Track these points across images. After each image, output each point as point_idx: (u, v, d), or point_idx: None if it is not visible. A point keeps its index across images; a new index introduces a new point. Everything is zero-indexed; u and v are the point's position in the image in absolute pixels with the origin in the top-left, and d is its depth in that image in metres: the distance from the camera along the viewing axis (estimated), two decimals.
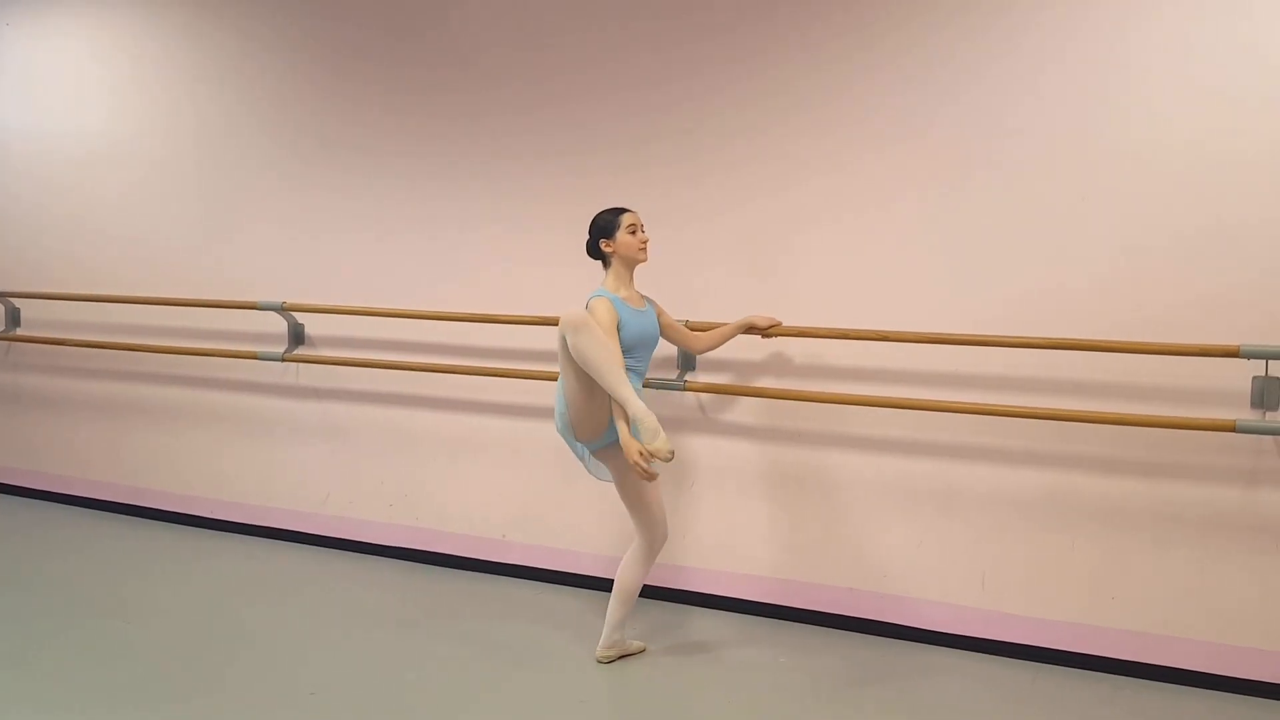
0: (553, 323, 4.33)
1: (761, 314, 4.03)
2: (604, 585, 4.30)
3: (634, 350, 3.66)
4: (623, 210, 3.69)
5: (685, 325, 4.06)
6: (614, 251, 3.66)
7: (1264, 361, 3.42)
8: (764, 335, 4.01)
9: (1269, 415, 3.45)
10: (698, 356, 4.26)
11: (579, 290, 4.13)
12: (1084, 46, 3.64)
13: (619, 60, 4.37)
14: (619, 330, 3.57)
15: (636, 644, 3.87)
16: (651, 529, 3.69)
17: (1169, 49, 3.54)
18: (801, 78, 4.06)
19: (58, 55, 5.67)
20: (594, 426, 3.57)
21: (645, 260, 3.75)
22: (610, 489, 4.14)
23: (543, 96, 4.52)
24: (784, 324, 3.99)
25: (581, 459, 3.74)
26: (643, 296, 3.80)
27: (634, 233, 3.69)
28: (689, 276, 4.23)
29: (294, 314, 5.06)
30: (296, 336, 5.11)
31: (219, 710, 3.32)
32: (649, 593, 4.40)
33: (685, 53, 4.24)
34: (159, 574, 4.69)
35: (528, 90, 4.55)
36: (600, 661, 3.76)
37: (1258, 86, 3.43)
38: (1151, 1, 3.55)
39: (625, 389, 3.33)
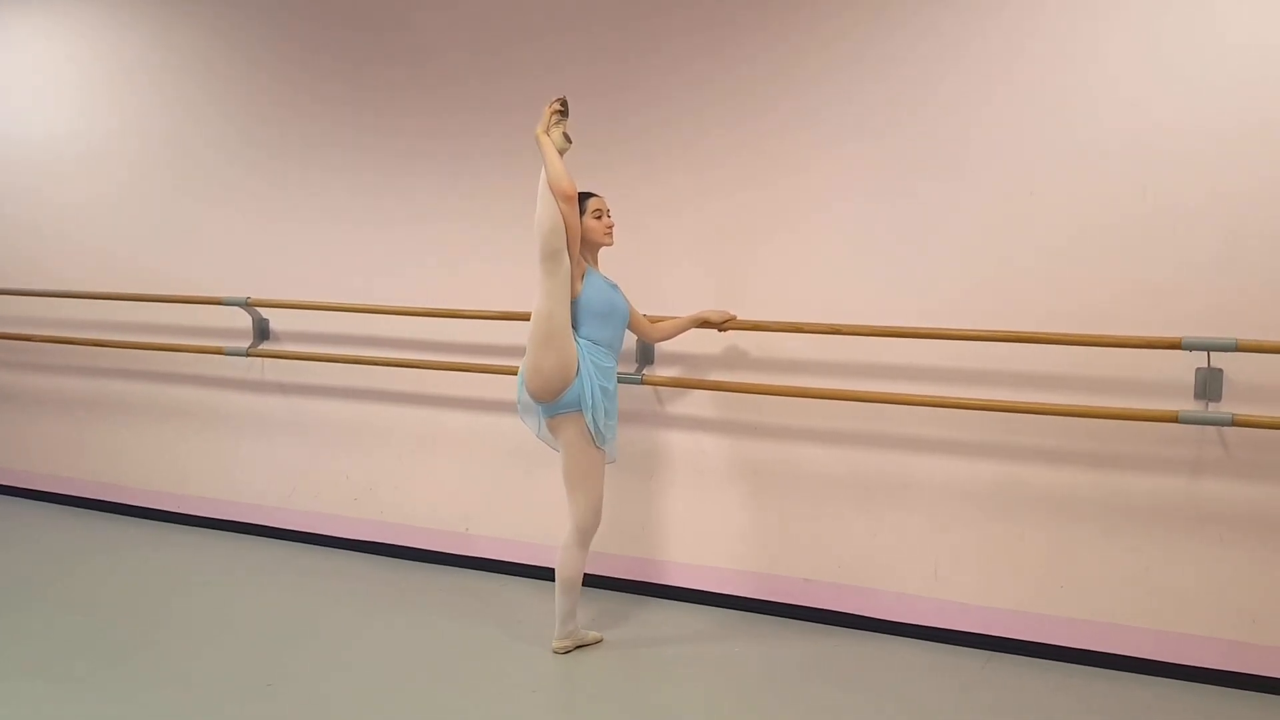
0: (513, 318, 4.37)
1: (716, 308, 4.07)
2: None
3: (608, 318, 3.74)
4: (589, 195, 3.74)
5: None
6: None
7: (1206, 354, 3.47)
8: (720, 329, 4.06)
9: (1211, 406, 3.50)
10: (655, 350, 4.30)
11: None
12: (1031, 46, 3.68)
13: (581, 61, 4.39)
14: (589, 293, 3.69)
15: (593, 634, 3.91)
16: (585, 513, 3.72)
17: (1113, 46, 3.58)
18: (758, 81, 4.10)
19: (20, 54, 5.67)
20: (548, 378, 3.61)
21: (610, 244, 3.82)
22: None
23: (506, 95, 4.54)
24: (739, 318, 4.03)
25: (538, 433, 3.83)
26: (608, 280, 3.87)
27: (599, 217, 3.76)
28: (649, 271, 4.26)
29: (259, 309, 5.08)
30: (261, 332, 5.13)
31: (176, 701, 3.34)
32: (605, 584, 4.44)
33: (646, 56, 4.28)
34: (123, 568, 4.71)
35: (492, 89, 4.58)
36: (557, 652, 3.79)
37: (1198, 82, 3.48)
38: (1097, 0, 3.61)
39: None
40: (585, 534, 3.75)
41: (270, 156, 5.08)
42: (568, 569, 3.74)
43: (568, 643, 3.81)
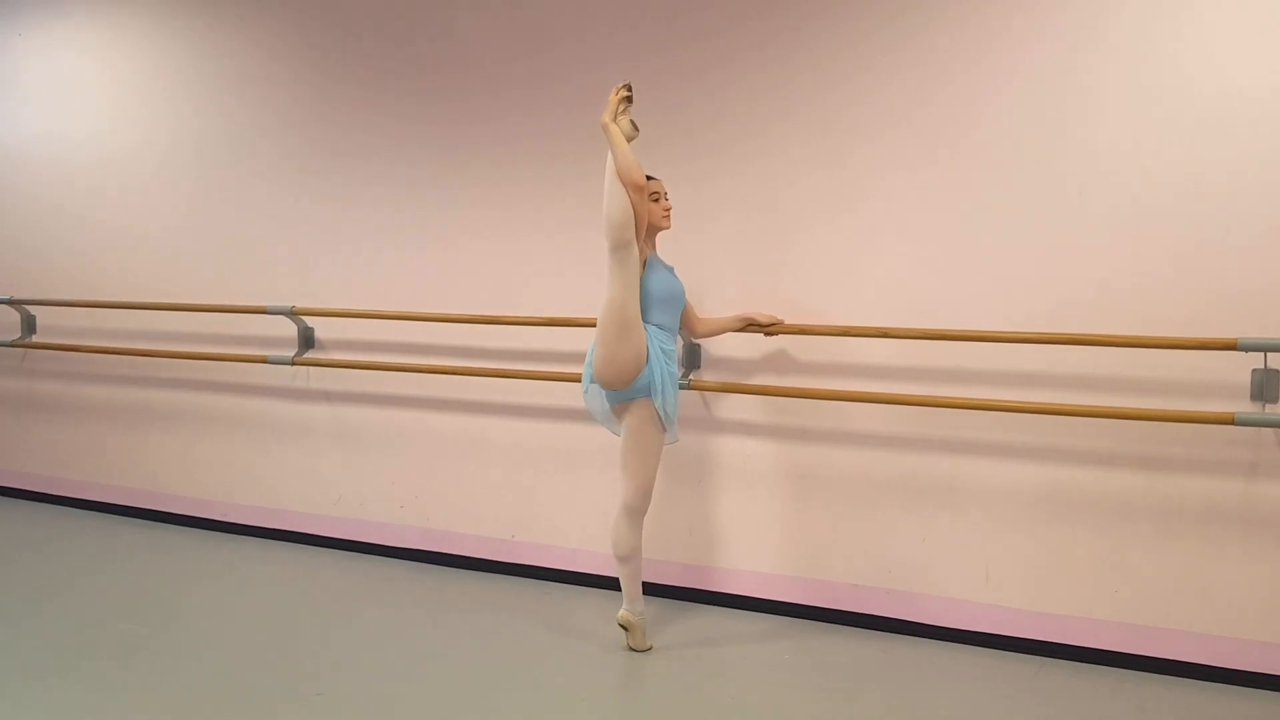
0: (557, 324, 4.39)
1: (763, 311, 4.06)
2: (610, 584, 4.32)
3: (669, 303, 3.75)
4: (648, 178, 3.72)
5: None
6: None
7: (1263, 354, 3.43)
8: (766, 333, 4.05)
9: (1269, 408, 3.46)
10: (703, 354, 4.30)
11: (585, 292, 4.19)
12: (1081, 37, 3.66)
13: (619, 65, 4.40)
14: (653, 280, 3.69)
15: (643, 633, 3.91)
16: (635, 494, 3.75)
17: (1167, 43, 3.56)
18: (798, 76, 4.09)
19: (70, 65, 5.75)
20: (622, 369, 3.61)
21: (668, 227, 3.84)
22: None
23: (544, 101, 4.56)
24: (785, 322, 4.03)
25: (599, 416, 3.86)
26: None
27: (657, 199, 3.76)
28: (693, 274, 4.25)
29: (303, 318, 5.12)
30: (306, 340, 5.17)
31: (224, 707, 3.38)
32: (652, 589, 4.41)
33: (684, 57, 4.28)
34: (173, 576, 4.75)
35: (530, 95, 4.60)
36: (620, 624, 3.83)
37: (1258, 83, 3.45)
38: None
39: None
40: (635, 513, 3.78)
41: (313, 165, 5.12)
42: (621, 545, 3.79)
43: (637, 621, 3.82)
